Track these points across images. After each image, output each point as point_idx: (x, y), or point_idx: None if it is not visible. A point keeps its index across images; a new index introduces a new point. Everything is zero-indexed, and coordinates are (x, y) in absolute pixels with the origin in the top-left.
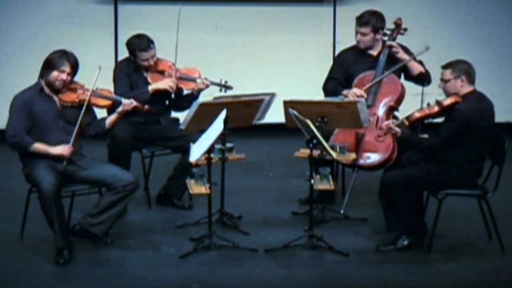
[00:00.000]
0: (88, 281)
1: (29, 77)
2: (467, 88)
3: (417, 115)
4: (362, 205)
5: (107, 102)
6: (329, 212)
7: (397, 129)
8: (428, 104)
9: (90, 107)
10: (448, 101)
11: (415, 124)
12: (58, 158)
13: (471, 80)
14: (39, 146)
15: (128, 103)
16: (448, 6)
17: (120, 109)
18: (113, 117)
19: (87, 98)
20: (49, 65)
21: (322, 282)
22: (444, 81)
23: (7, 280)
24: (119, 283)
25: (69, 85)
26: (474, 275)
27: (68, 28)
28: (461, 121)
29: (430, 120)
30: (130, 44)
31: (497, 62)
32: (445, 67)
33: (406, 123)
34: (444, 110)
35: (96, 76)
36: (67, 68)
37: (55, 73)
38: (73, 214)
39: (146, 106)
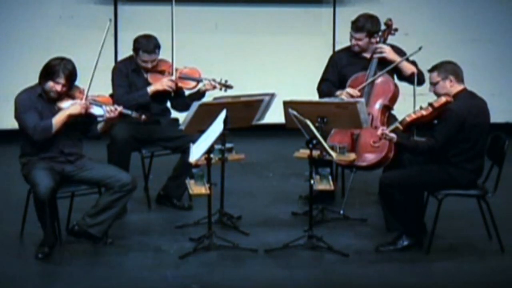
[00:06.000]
0: (88, 281)
1: (29, 77)
2: (457, 88)
3: (410, 118)
4: (361, 205)
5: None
6: (328, 213)
7: (392, 135)
8: (421, 107)
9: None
10: (439, 102)
11: (410, 128)
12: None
13: (459, 79)
14: (56, 119)
15: (108, 110)
16: (448, 6)
17: (104, 117)
18: (101, 124)
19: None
20: (46, 73)
21: (322, 282)
22: (433, 84)
23: (7, 280)
24: (119, 283)
25: (68, 92)
26: (474, 275)
27: (68, 28)
28: (454, 119)
29: (424, 122)
30: (137, 42)
31: (497, 62)
32: (431, 70)
33: (400, 127)
34: (437, 111)
35: (106, 30)
36: (61, 80)
37: (50, 83)
38: (73, 215)
39: (143, 117)
